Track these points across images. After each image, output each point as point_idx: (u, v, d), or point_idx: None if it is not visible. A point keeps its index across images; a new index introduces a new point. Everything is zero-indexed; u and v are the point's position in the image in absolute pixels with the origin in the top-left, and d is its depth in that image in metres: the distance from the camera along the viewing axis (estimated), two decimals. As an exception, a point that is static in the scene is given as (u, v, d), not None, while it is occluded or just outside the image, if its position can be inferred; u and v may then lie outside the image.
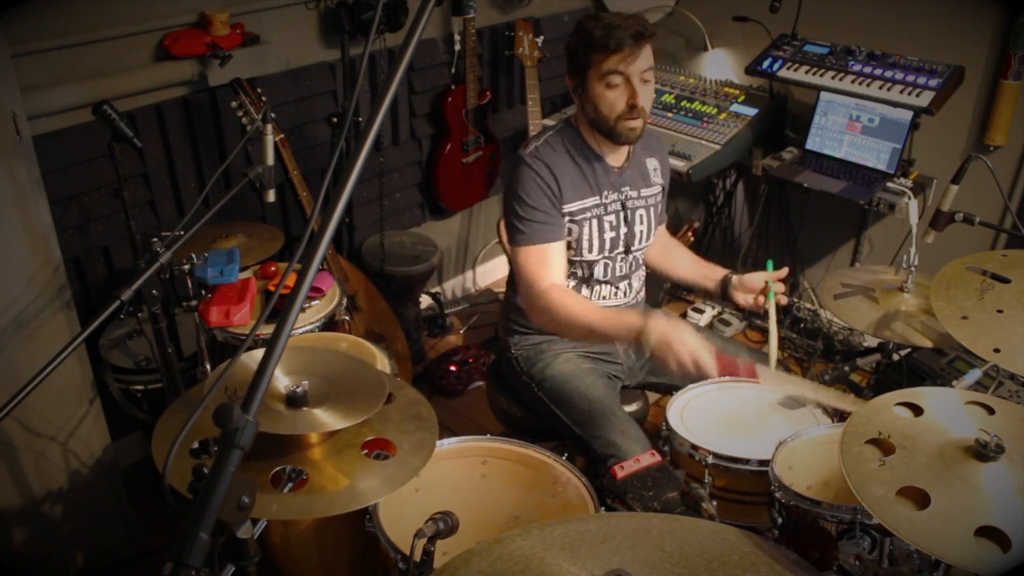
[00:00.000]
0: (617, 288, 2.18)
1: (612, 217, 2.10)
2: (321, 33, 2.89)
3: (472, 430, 2.26)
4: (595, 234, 2.08)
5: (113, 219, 2.46)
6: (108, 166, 2.20)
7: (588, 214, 2.06)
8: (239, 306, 2.14)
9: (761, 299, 2.13)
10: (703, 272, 2.29)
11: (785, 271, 2.13)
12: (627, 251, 2.16)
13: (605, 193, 2.08)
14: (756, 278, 2.14)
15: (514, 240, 2.01)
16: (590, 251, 2.09)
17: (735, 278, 2.18)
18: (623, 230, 2.12)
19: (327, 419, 1.47)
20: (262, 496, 1.39)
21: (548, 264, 1.98)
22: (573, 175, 2.04)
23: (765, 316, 2.14)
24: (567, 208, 2.03)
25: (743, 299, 2.16)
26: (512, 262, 2.07)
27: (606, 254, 2.12)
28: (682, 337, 1.71)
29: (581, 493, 1.73)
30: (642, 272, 2.27)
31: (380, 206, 3.19)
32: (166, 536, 2.39)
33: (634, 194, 2.13)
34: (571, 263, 2.12)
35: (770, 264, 2.18)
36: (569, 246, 2.08)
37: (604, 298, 2.18)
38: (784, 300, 2.13)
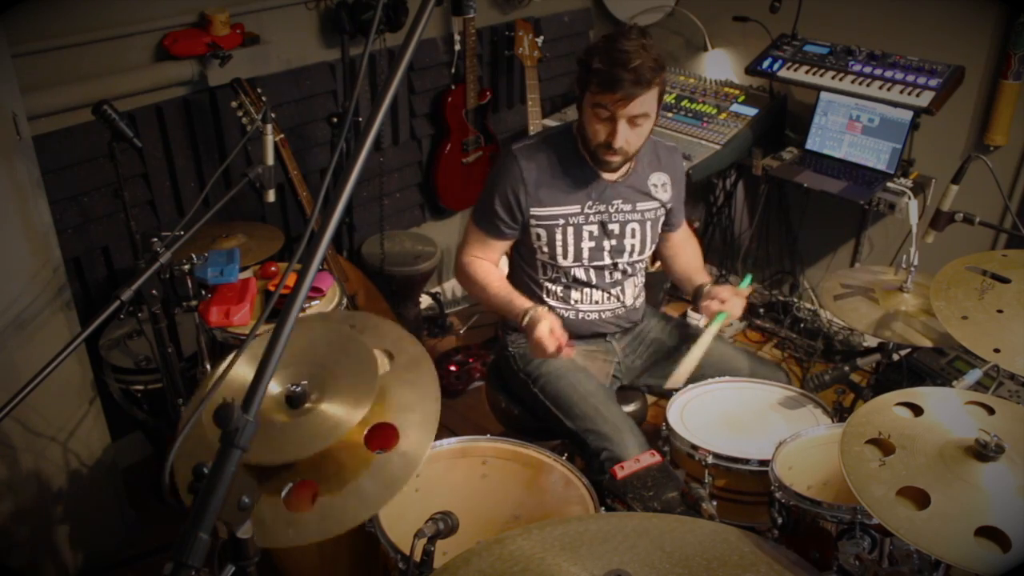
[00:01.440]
0: (609, 294, 2.18)
1: (594, 228, 2.09)
2: (321, 33, 2.89)
3: (472, 430, 2.26)
4: (570, 241, 2.08)
5: (113, 219, 2.46)
6: (108, 166, 2.20)
7: (562, 221, 2.06)
8: (239, 306, 2.14)
9: (714, 307, 2.10)
10: (690, 275, 2.31)
11: (747, 292, 2.16)
12: (615, 263, 2.15)
13: (589, 203, 2.07)
14: (724, 292, 2.13)
15: (473, 210, 2.16)
16: (564, 257, 2.10)
17: (707, 287, 2.19)
18: (608, 242, 2.11)
19: (332, 414, 1.46)
20: (275, 520, 1.38)
21: (481, 248, 2.14)
22: (554, 180, 2.04)
23: (757, 316, 2.14)
24: (535, 212, 2.04)
25: (704, 304, 2.14)
26: (466, 227, 2.17)
27: (584, 262, 2.11)
28: (537, 325, 1.93)
29: (581, 493, 1.73)
30: (638, 279, 2.25)
31: (380, 206, 3.19)
32: (166, 536, 2.39)
33: (627, 208, 2.11)
34: (549, 267, 2.13)
35: (748, 279, 2.20)
36: (540, 250, 2.10)
37: (596, 302, 2.18)
38: (734, 315, 2.12)
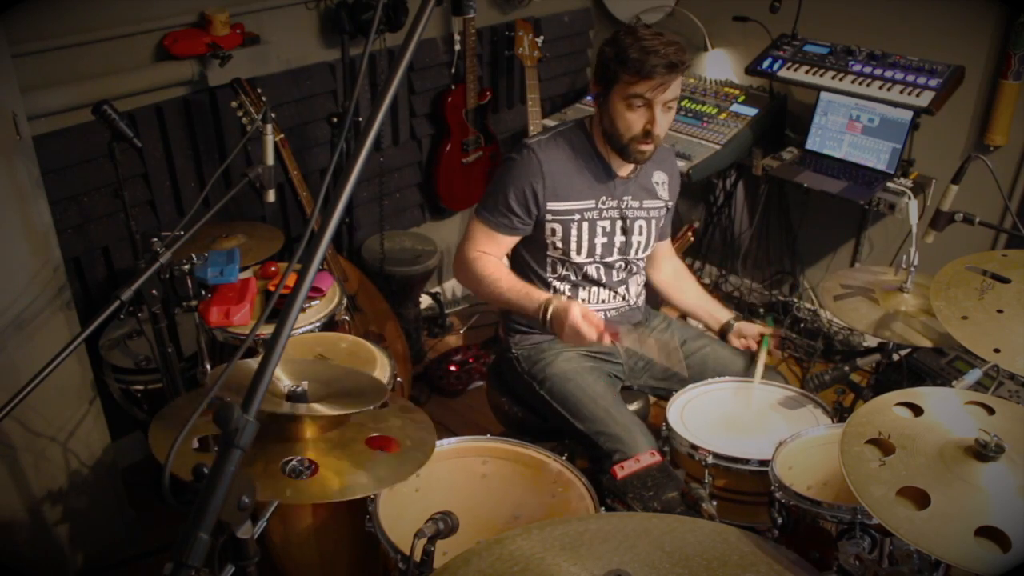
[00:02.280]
0: (616, 293, 2.19)
1: (607, 224, 2.10)
2: (321, 33, 2.89)
3: (472, 430, 2.27)
4: (584, 237, 2.08)
5: (113, 219, 2.46)
6: (108, 166, 2.20)
7: (578, 216, 2.06)
8: (239, 306, 2.14)
9: (754, 345, 2.24)
10: (708, 309, 2.39)
11: (782, 332, 2.27)
12: (624, 260, 2.16)
13: (603, 199, 2.08)
14: (753, 329, 2.26)
15: (479, 207, 2.10)
16: (578, 253, 2.10)
17: (736, 325, 2.29)
18: (619, 238, 2.13)
19: (327, 410, 1.47)
20: (274, 483, 1.39)
21: (490, 243, 2.09)
22: (570, 175, 2.04)
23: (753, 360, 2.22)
24: (552, 206, 2.04)
25: (737, 342, 2.28)
26: (469, 222, 2.13)
27: (596, 259, 2.12)
28: (569, 310, 1.85)
29: (581, 493, 1.73)
30: (641, 277, 2.28)
31: (380, 206, 3.19)
32: (166, 536, 2.39)
33: (635, 204, 2.14)
34: (559, 264, 2.13)
35: (771, 321, 2.32)
36: (554, 246, 2.09)
37: (603, 301, 2.19)
38: (772, 348, 2.22)
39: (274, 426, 1.48)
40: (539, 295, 1.98)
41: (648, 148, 1.99)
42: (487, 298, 2.10)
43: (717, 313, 2.35)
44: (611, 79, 1.93)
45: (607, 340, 1.84)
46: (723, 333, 2.31)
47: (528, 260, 2.17)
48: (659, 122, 1.94)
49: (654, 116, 1.93)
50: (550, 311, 1.91)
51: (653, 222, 2.19)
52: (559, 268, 2.14)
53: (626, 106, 1.93)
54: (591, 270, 2.14)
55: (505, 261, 2.22)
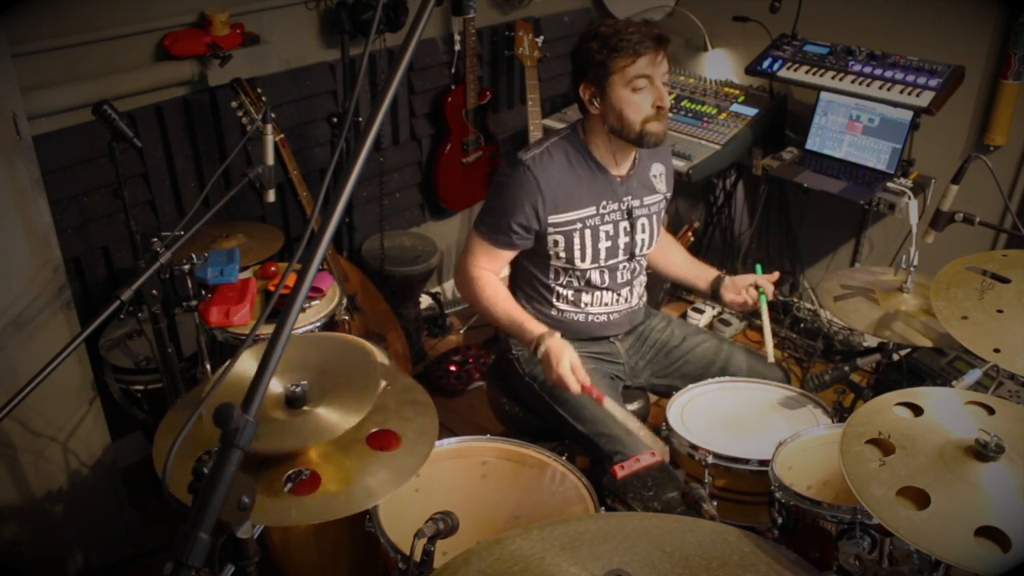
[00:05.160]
0: (619, 295, 2.19)
1: (609, 227, 2.10)
2: (321, 33, 2.89)
3: (472, 430, 2.27)
4: (588, 244, 2.08)
5: (113, 219, 2.46)
6: (108, 166, 2.20)
7: (579, 224, 2.06)
8: (239, 306, 2.14)
9: (750, 298, 2.19)
10: (696, 271, 2.35)
11: (776, 275, 2.20)
12: (630, 260, 2.16)
13: (603, 203, 2.08)
14: (745, 280, 2.20)
15: (477, 222, 2.11)
16: (582, 260, 2.10)
17: (727, 279, 2.24)
18: (623, 239, 2.13)
19: (328, 418, 1.47)
20: (279, 502, 1.39)
21: (490, 259, 2.10)
22: (568, 186, 2.04)
23: (758, 315, 2.17)
24: (554, 219, 2.03)
25: (732, 298, 2.22)
26: (469, 236, 2.13)
27: (601, 263, 2.12)
28: (560, 360, 1.89)
29: (581, 493, 1.73)
30: (643, 277, 2.28)
31: (380, 206, 3.19)
32: (166, 536, 2.39)
33: (636, 203, 2.13)
34: (564, 272, 2.13)
35: (759, 268, 2.24)
36: (557, 255, 2.09)
37: (606, 304, 2.18)
38: (770, 296, 2.18)
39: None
40: (533, 328, 1.99)
41: (662, 126, 2.00)
42: (484, 318, 2.13)
43: (705, 274, 2.32)
44: (604, 73, 1.94)
45: (592, 395, 1.90)
46: (715, 292, 2.27)
47: (532, 270, 2.16)
48: (665, 95, 1.97)
49: (660, 91, 1.96)
50: (541, 350, 1.94)
51: (655, 217, 2.19)
52: (562, 276, 2.14)
53: (631, 90, 1.95)
54: (595, 275, 2.13)
55: (506, 270, 2.22)
